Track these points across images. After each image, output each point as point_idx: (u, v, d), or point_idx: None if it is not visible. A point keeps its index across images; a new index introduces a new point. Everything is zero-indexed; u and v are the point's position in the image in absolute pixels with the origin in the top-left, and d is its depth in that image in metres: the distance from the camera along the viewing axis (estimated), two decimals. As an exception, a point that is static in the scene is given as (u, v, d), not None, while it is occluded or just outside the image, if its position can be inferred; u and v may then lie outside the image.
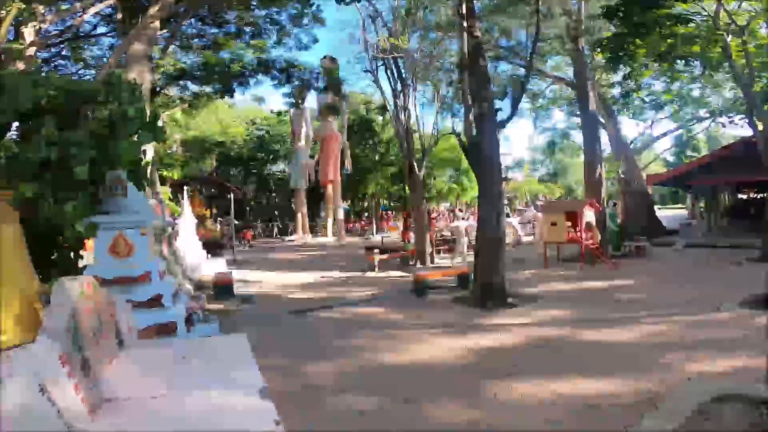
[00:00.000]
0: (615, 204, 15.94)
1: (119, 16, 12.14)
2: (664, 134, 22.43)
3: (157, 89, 13.22)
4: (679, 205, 41.76)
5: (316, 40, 16.06)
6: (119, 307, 3.83)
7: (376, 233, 28.97)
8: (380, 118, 30.25)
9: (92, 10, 9.37)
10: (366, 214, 35.70)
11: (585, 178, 14.58)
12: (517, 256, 13.75)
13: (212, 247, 17.77)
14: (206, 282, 10.21)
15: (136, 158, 4.50)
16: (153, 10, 11.41)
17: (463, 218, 15.05)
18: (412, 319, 7.25)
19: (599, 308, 7.43)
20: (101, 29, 14.88)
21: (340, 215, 26.14)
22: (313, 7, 15.33)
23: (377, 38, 13.60)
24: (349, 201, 35.28)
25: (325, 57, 15.45)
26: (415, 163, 13.98)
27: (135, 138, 4.49)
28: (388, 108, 14.88)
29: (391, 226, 29.64)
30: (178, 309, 5.99)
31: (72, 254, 6.62)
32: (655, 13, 8.41)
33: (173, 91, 16.47)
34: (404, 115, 14.19)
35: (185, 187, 14.84)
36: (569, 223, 11.78)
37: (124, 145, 4.31)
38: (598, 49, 11.31)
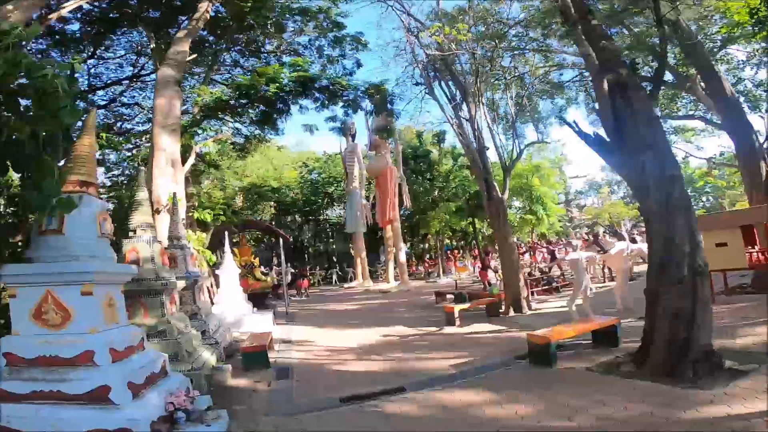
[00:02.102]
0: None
1: (152, 45, 11.48)
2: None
3: (197, 122, 12.01)
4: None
5: (359, 65, 14.61)
6: None
7: (443, 275, 25.76)
8: (435, 152, 27.96)
9: (70, 5, 8.45)
10: (428, 255, 32.64)
11: (746, 185, 10.70)
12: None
13: (261, 298, 15.83)
14: (242, 342, 7.88)
15: None
16: (181, 33, 10.56)
17: (586, 248, 11.07)
18: (556, 414, 4.04)
19: None
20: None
21: (402, 258, 23.45)
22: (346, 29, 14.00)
23: (428, 35, 11.32)
24: (409, 243, 32.49)
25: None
26: (495, 184, 11.12)
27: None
28: (450, 122, 12.35)
29: (459, 266, 26.28)
30: (138, 408, 3.47)
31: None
32: None
33: (228, 133, 15.46)
34: (472, 128, 11.60)
35: (226, 233, 13.05)
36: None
37: None
38: None
